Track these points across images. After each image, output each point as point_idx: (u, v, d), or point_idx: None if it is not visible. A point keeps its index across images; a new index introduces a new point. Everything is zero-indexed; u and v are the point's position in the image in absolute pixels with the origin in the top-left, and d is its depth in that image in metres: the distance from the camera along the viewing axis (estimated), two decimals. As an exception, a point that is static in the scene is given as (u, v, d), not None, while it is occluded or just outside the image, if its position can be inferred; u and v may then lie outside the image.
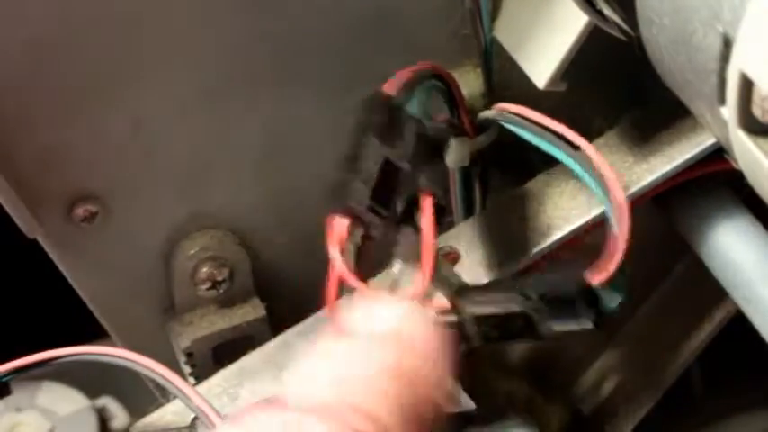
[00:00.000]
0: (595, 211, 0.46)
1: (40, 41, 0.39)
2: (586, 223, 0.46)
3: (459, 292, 0.35)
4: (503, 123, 0.40)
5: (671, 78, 0.34)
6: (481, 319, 0.35)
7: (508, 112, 0.40)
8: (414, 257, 0.34)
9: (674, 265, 0.62)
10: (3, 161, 0.41)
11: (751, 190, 0.32)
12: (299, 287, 0.49)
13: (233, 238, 0.48)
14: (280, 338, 0.45)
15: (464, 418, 0.60)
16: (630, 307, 0.64)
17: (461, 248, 0.46)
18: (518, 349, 0.63)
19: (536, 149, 0.49)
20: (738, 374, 0.69)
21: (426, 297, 0.34)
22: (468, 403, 0.40)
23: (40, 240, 0.44)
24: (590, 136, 0.48)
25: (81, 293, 0.47)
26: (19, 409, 0.40)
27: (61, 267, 0.46)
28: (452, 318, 0.35)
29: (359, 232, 0.35)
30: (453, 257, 0.46)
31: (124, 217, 0.45)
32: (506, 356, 0.63)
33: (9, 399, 0.40)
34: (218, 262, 0.47)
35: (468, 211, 0.48)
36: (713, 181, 0.52)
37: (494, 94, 0.44)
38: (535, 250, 0.45)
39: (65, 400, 0.40)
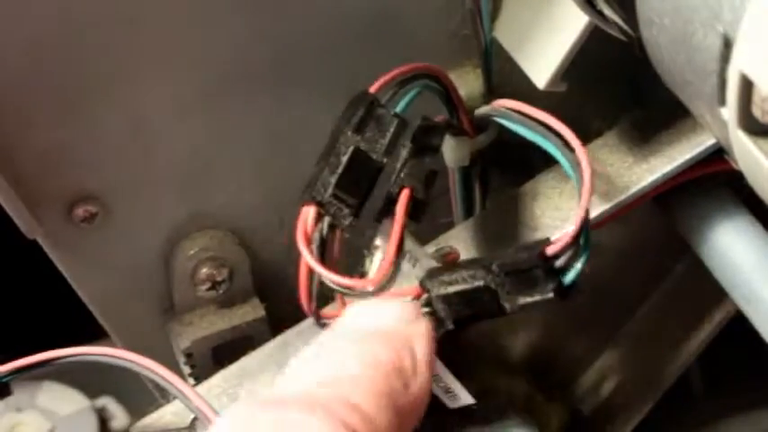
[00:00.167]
0: (595, 211, 0.46)
1: (40, 41, 0.39)
2: (586, 223, 0.46)
3: (429, 274, 0.36)
4: (496, 118, 0.40)
5: (671, 79, 0.34)
6: (450, 298, 0.35)
7: (502, 107, 0.40)
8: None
9: (674, 265, 0.62)
10: (3, 161, 0.41)
11: (751, 190, 0.32)
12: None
13: (233, 238, 0.48)
14: (279, 339, 0.45)
15: (464, 416, 0.60)
16: (630, 307, 0.64)
17: (461, 248, 0.46)
18: (518, 348, 0.63)
19: (536, 149, 0.49)
20: (738, 374, 0.69)
21: (389, 280, 0.34)
22: (467, 398, 0.40)
23: (40, 240, 0.44)
24: (590, 136, 0.49)
25: (81, 293, 0.47)
26: (19, 409, 0.40)
27: (61, 267, 0.46)
28: (424, 301, 0.36)
29: (326, 221, 0.35)
30: (453, 257, 0.46)
31: (124, 217, 0.45)
32: (507, 355, 0.63)
33: (9, 399, 0.40)
34: (218, 262, 0.47)
35: (468, 212, 0.48)
36: (713, 181, 0.52)
37: (493, 94, 0.44)
38: (535, 250, 0.45)
39: (65, 400, 0.40)
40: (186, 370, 0.48)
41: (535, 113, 0.38)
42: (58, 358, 0.39)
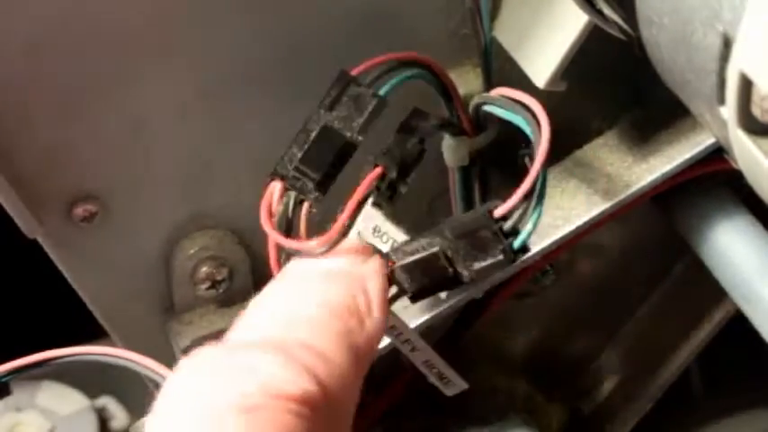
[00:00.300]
0: (595, 211, 0.46)
1: (40, 41, 0.39)
2: (586, 223, 0.46)
3: (395, 248, 0.36)
4: (482, 107, 0.40)
5: (670, 78, 0.34)
6: (410, 267, 0.35)
7: (487, 94, 0.41)
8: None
9: (673, 265, 0.62)
10: (3, 161, 0.41)
11: (750, 190, 0.32)
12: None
13: (233, 237, 0.48)
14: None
15: (464, 416, 0.60)
16: (630, 307, 0.64)
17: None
18: (518, 348, 0.63)
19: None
20: (738, 374, 0.69)
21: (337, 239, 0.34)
22: (461, 383, 0.40)
23: (40, 240, 0.44)
24: (590, 136, 0.49)
25: (81, 293, 0.47)
26: (19, 409, 0.40)
27: (61, 267, 0.46)
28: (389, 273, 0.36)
29: (292, 196, 0.36)
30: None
31: (124, 217, 0.45)
32: (507, 355, 0.63)
33: (9, 399, 0.40)
34: (218, 262, 0.47)
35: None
36: (713, 181, 0.52)
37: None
38: (535, 250, 0.45)
39: (65, 400, 0.40)
40: (186, 370, 0.48)
41: (509, 92, 0.38)
42: (58, 358, 0.39)
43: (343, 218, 0.34)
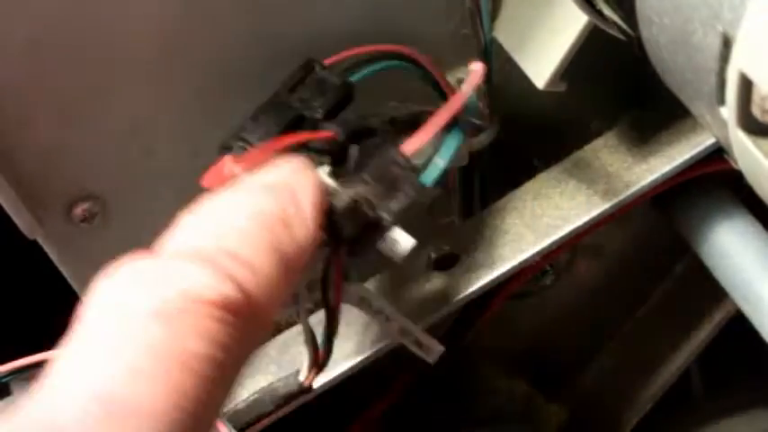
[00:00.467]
0: (595, 211, 0.46)
1: (40, 41, 0.39)
2: (586, 223, 0.46)
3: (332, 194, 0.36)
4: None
5: (670, 78, 0.34)
6: (338, 217, 0.35)
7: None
8: None
9: (673, 265, 0.63)
10: (3, 161, 0.41)
11: (750, 190, 0.32)
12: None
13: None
14: (279, 338, 0.45)
15: (464, 416, 0.60)
16: (630, 307, 0.64)
17: (461, 248, 0.46)
18: (518, 348, 0.64)
19: (536, 149, 0.49)
20: (738, 374, 0.70)
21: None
22: (437, 347, 0.40)
23: (40, 240, 0.44)
24: (590, 136, 0.49)
25: (81, 293, 0.47)
26: (19, 409, 0.40)
27: (61, 267, 0.46)
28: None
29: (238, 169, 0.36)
30: (453, 258, 0.46)
31: (124, 217, 0.45)
32: (507, 355, 0.63)
33: (9, 399, 0.40)
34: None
35: (468, 211, 0.48)
36: (713, 181, 0.53)
37: (493, 94, 0.44)
38: (535, 250, 0.45)
39: (64, 400, 0.40)
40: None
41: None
42: (58, 358, 0.39)
43: (271, 144, 0.34)
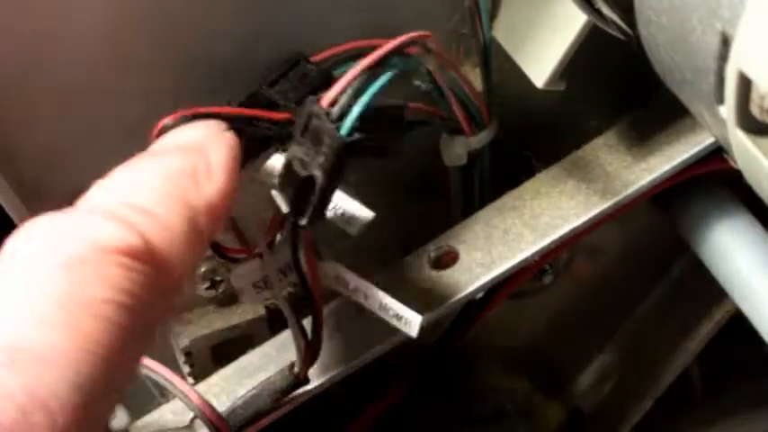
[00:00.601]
0: (594, 211, 0.46)
1: (40, 41, 0.39)
2: (585, 222, 0.46)
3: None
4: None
5: (669, 77, 0.34)
6: (280, 181, 0.36)
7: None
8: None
9: (673, 265, 0.63)
10: (3, 161, 0.41)
11: (750, 189, 0.32)
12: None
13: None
14: (279, 338, 0.45)
15: (464, 416, 0.60)
16: (630, 307, 0.64)
17: (461, 248, 0.46)
18: (518, 348, 0.64)
19: (535, 149, 0.49)
20: (738, 374, 0.69)
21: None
22: (415, 317, 0.40)
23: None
24: (589, 135, 0.49)
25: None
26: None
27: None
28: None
29: None
30: (452, 257, 0.46)
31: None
32: (507, 355, 0.63)
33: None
34: (218, 261, 0.47)
35: (468, 211, 0.48)
36: (712, 180, 0.52)
37: (493, 93, 0.44)
38: (534, 250, 0.45)
39: (64, 400, 0.40)
40: (185, 369, 0.48)
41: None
42: (58, 357, 0.39)
43: (196, 109, 0.35)
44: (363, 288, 0.40)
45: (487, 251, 0.45)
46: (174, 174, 0.32)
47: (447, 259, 0.46)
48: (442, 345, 0.54)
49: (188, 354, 0.48)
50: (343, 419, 0.55)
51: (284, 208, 0.35)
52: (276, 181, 0.36)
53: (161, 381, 0.40)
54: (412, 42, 0.37)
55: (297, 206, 0.35)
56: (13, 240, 0.30)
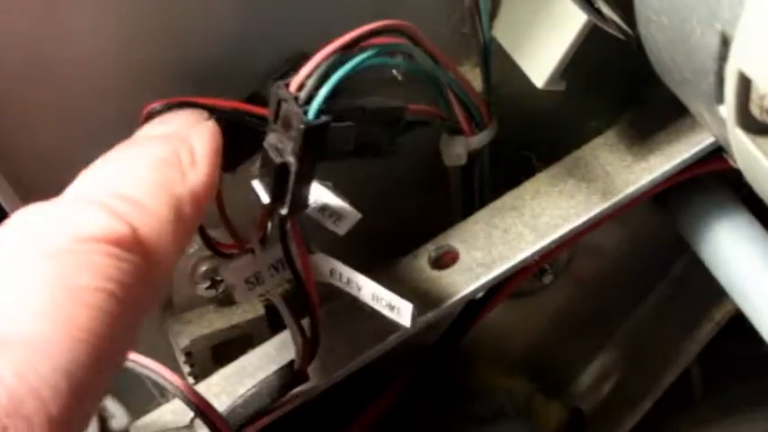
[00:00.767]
0: (594, 210, 0.46)
1: (40, 40, 0.39)
2: (585, 222, 0.46)
3: None
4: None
5: (669, 77, 0.34)
6: (260, 171, 0.36)
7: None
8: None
9: (673, 265, 0.63)
10: (3, 161, 0.41)
11: (750, 189, 0.32)
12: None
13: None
14: (279, 338, 0.45)
15: (464, 415, 0.60)
16: (630, 307, 0.64)
17: (461, 248, 0.46)
18: (518, 348, 0.64)
19: (535, 149, 0.49)
20: (738, 375, 0.69)
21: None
22: (409, 309, 0.40)
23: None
24: (589, 135, 0.49)
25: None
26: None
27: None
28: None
29: None
30: (452, 257, 0.46)
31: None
32: (507, 355, 0.63)
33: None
34: (218, 261, 0.47)
35: (468, 211, 0.48)
36: (712, 180, 0.53)
37: (493, 93, 0.44)
38: (534, 249, 0.45)
39: (64, 400, 0.40)
40: (185, 369, 0.48)
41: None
42: (58, 357, 0.39)
43: (186, 98, 0.35)
44: (356, 279, 0.40)
45: (487, 251, 0.45)
46: (160, 163, 0.33)
47: (447, 259, 0.46)
48: (441, 345, 0.54)
49: (188, 354, 0.48)
50: (343, 419, 0.55)
51: (264, 198, 0.36)
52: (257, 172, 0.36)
53: (161, 381, 0.39)
54: (387, 30, 0.37)
55: (276, 195, 0.35)
56: (1, 230, 0.30)
